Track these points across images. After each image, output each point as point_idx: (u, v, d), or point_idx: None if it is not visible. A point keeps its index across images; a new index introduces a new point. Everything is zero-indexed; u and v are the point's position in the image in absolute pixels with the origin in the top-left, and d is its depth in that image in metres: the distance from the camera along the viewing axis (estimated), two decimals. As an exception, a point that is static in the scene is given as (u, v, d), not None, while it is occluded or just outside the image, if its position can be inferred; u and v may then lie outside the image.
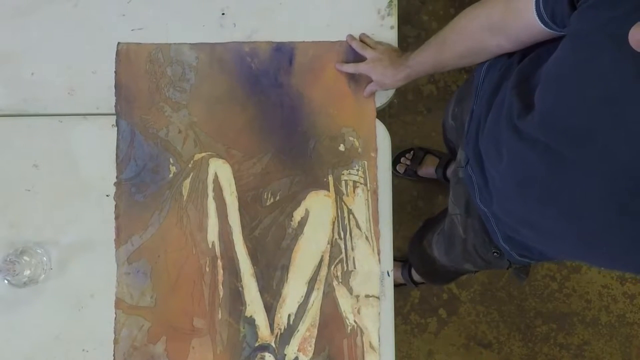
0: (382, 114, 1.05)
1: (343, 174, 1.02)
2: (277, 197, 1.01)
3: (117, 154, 1.02)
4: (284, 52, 1.04)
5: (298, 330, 0.99)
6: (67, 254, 1.01)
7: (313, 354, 0.98)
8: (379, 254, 1.00)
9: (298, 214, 1.01)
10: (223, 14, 1.06)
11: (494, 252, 0.96)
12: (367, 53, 1.01)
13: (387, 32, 1.05)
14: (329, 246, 1.00)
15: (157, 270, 1.00)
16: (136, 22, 1.05)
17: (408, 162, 1.69)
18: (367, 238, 1.00)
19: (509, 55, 0.85)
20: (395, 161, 1.69)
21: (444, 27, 0.89)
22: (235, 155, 1.02)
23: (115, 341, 0.98)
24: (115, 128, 1.03)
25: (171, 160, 1.02)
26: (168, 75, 1.04)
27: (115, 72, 1.04)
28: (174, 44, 1.04)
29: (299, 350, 0.98)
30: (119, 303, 0.99)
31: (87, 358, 0.99)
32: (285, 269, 1.00)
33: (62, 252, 1.01)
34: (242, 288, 0.99)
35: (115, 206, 1.01)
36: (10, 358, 1.00)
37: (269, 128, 1.03)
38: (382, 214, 1.01)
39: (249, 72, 1.04)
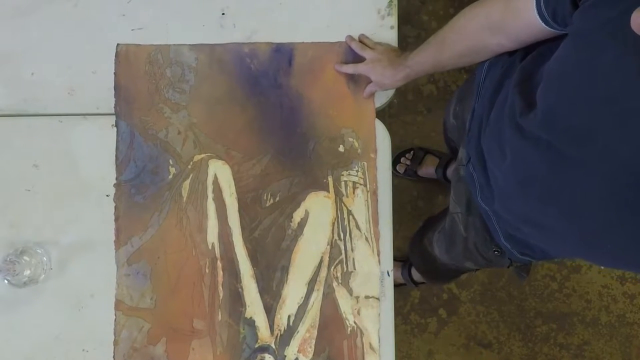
0: (382, 114, 1.05)
1: (343, 175, 1.02)
2: (277, 198, 1.01)
3: (116, 156, 1.02)
4: (283, 53, 1.04)
5: (298, 332, 0.99)
6: (67, 254, 1.01)
7: (313, 355, 0.98)
8: (378, 255, 1.00)
9: (298, 215, 1.01)
10: (223, 14, 1.06)
11: (495, 251, 0.96)
12: (366, 53, 1.00)
13: (387, 32, 1.05)
14: (328, 247, 1.00)
15: (157, 271, 1.00)
16: (136, 22, 1.05)
17: (408, 162, 1.68)
18: (367, 239, 1.00)
19: (510, 53, 0.85)
20: (395, 161, 1.69)
21: (443, 26, 0.89)
22: (234, 156, 1.02)
23: (115, 343, 0.99)
24: (115, 128, 1.03)
25: (171, 162, 1.02)
26: (167, 76, 1.04)
27: (114, 73, 1.04)
28: (174, 45, 1.04)
29: (299, 351, 0.98)
30: (118, 305, 0.99)
31: (87, 358, 0.99)
32: (285, 270, 1.00)
33: (62, 252, 1.01)
34: (242, 289, 0.99)
35: (115, 207, 1.01)
36: (10, 358, 1.00)
37: (268, 129, 1.03)
38: (382, 214, 1.01)
39: (249, 73, 1.04)
